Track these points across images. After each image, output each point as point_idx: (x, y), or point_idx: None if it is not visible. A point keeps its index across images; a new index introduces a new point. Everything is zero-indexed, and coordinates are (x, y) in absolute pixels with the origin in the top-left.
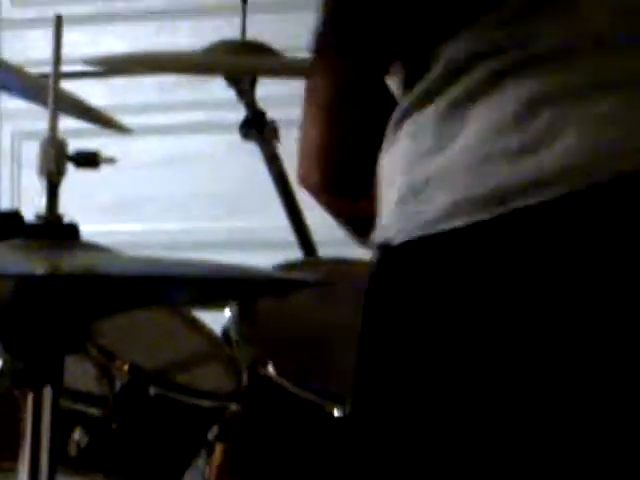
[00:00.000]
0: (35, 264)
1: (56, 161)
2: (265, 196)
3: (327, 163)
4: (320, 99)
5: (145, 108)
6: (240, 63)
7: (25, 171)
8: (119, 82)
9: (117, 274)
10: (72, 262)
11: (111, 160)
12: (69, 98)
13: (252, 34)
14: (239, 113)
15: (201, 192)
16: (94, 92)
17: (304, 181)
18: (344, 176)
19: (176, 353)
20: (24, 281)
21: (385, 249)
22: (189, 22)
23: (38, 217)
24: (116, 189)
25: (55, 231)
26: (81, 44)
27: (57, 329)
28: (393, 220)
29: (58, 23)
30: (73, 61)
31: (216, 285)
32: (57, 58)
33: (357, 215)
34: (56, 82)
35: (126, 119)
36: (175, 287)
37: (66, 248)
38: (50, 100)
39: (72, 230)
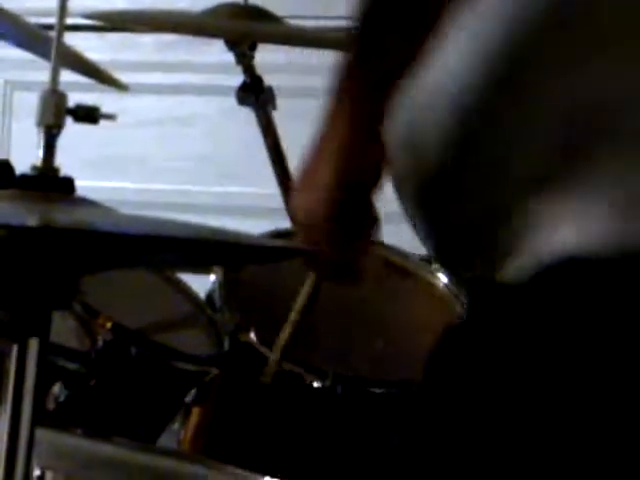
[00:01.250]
0: (28, 216)
1: (56, 114)
2: (257, 162)
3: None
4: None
5: (141, 66)
6: (241, 27)
7: (16, 121)
8: (116, 38)
9: (111, 231)
10: (66, 216)
11: (111, 116)
12: (68, 51)
13: None
14: (236, 77)
15: (192, 154)
16: (90, 46)
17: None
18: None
19: (159, 314)
20: (16, 232)
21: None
22: None
23: (34, 169)
24: (107, 146)
25: (51, 184)
26: None
27: (46, 282)
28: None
29: None
30: (72, 14)
31: (207, 249)
32: (62, 9)
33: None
34: (60, 34)
35: (121, 76)
36: (168, 248)
37: (61, 201)
38: (53, 52)
39: (68, 184)
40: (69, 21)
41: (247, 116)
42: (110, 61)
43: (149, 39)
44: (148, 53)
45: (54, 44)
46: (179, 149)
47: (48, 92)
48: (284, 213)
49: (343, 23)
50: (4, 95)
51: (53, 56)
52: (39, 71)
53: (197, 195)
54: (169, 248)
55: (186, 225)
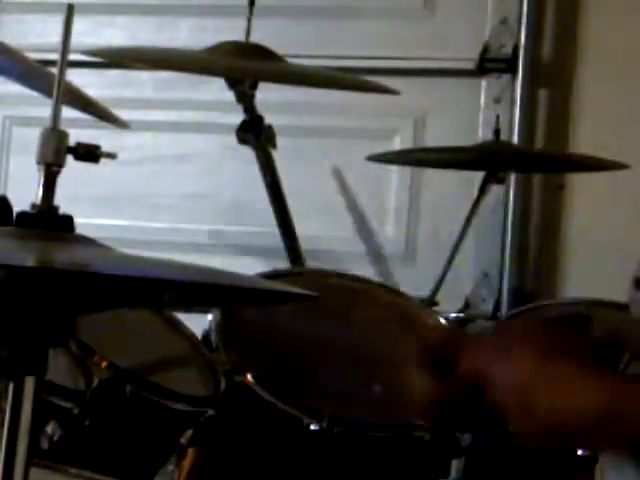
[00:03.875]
0: (27, 255)
1: (56, 152)
2: (255, 201)
3: None
4: None
5: (140, 104)
6: (242, 66)
7: (14, 157)
8: (115, 75)
9: (109, 273)
10: (64, 256)
11: (111, 155)
12: (68, 87)
13: (254, 38)
14: (236, 115)
15: (190, 192)
16: (90, 83)
17: None
18: None
19: (155, 353)
20: (14, 272)
21: None
22: (191, 20)
23: (34, 207)
24: (103, 183)
25: (50, 222)
26: (81, 34)
27: (43, 321)
28: None
29: (69, 12)
30: (72, 50)
31: (205, 292)
32: (65, 47)
33: None
34: (62, 72)
35: (120, 113)
36: (165, 290)
37: (60, 240)
38: (55, 89)
39: (67, 222)
40: (69, 57)
41: (246, 154)
42: (109, 98)
43: (149, 76)
44: (148, 90)
45: (56, 83)
46: (175, 186)
47: (49, 130)
48: (282, 252)
49: (344, 63)
50: (3, 130)
51: (55, 94)
52: (38, 107)
53: (195, 233)
54: (166, 290)
55: (184, 266)
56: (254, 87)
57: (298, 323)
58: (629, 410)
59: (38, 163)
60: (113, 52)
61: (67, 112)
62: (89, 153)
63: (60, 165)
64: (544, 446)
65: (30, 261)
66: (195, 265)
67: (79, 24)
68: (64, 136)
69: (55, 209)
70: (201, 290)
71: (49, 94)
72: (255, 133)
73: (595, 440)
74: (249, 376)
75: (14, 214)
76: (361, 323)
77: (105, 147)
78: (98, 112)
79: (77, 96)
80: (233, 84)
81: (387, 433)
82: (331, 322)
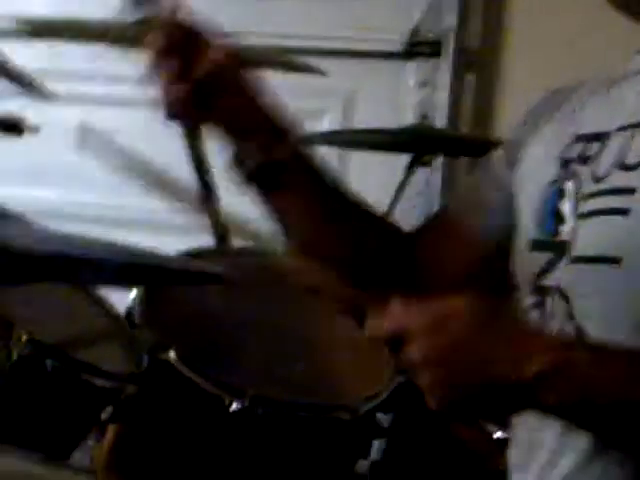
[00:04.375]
0: None
1: None
2: (182, 177)
3: None
4: None
5: (70, 75)
6: None
7: None
8: (44, 46)
9: (29, 250)
10: None
11: (35, 129)
12: None
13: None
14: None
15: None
16: (13, 53)
17: None
18: None
19: (78, 329)
20: None
21: None
22: None
23: None
24: (31, 154)
25: None
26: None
27: None
28: None
29: None
30: None
31: (131, 272)
32: None
33: None
34: None
35: (48, 85)
36: (87, 269)
37: None
38: None
39: None
40: None
41: (174, 130)
42: (36, 69)
43: (78, 49)
44: (76, 63)
45: None
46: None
47: None
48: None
49: (272, 42)
50: None
51: None
52: None
53: (117, 208)
54: (89, 269)
55: (108, 245)
56: None
57: (221, 301)
58: (569, 368)
59: None
60: (38, 23)
61: None
62: (13, 126)
63: None
64: (469, 411)
65: None
66: (112, 242)
67: None
68: None
69: None
70: (121, 268)
71: None
72: None
73: (529, 401)
74: (171, 353)
75: None
76: (284, 302)
77: (32, 118)
78: (26, 84)
79: (5, 67)
80: None
81: (308, 413)
82: (254, 301)
